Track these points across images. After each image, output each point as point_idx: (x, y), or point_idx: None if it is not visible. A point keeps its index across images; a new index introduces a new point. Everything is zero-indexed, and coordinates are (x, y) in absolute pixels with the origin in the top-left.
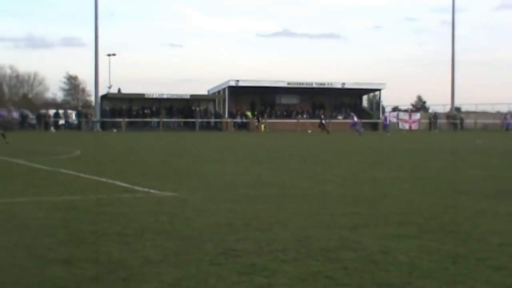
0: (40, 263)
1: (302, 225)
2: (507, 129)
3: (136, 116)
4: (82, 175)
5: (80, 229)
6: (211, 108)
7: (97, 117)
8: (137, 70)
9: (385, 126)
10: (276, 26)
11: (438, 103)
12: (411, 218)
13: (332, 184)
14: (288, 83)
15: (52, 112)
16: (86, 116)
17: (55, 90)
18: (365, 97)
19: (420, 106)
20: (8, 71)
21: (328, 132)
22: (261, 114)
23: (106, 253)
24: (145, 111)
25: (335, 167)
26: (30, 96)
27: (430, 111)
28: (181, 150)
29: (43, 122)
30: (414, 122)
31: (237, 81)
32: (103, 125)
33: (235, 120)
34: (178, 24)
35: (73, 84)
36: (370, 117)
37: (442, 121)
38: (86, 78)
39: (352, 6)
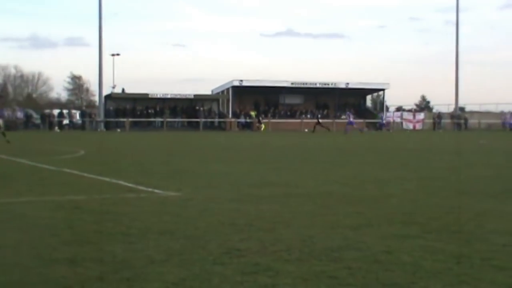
0: (44, 262)
1: (305, 225)
2: (511, 129)
3: (140, 116)
4: (86, 174)
5: (84, 228)
6: (215, 108)
7: (101, 117)
8: (140, 70)
9: (382, 126)
10: (279, 26)
11: (442, 103)
12: (415, 218)
13: (335, 184)
14: (292, 83)
15: (56, 112)
16: (90, 116)
17: (59, 90)
18: (369, 97)
19: (424, 106)
20: (13, 71)
21: (328, 129)
22: (261, 114)
23: (110, 253)
24: (149, 111)
25: (339, 167)
26: (34, 96)
27: (434, 111)
28: (184, 150)
29: (47, 122)
30: (418, 122)
31: (241, 81)
32: (107, 125)
33: (238, 120)
34: (181, 24)
35: (77, 84)
36: (374, 117)
37: (446, 121)
38: (90, 78)
39: (356, 5)
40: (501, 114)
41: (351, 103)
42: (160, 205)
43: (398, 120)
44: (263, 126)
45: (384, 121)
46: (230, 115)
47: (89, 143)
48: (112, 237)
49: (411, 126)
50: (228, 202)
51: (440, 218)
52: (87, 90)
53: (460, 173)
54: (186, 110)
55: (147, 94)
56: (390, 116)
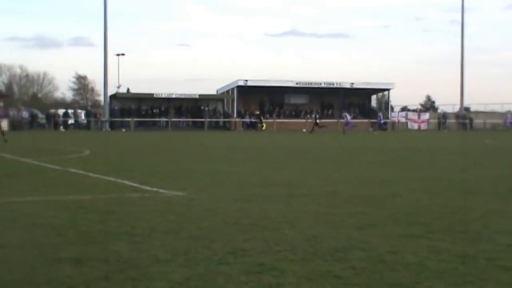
0: (49, 262)
1: (310, 225)
2: None
3: (145, 115)
4: (91, 174)
5: (89, 228)
6: (219, 107)
7: (106, 116)
8: (145, 70)
9: (380, 126)
10: (284, 25)
11: (447, 103)
12: (420, 218)
13: (340, 184)
14: (297, 83)
15: (61, 111)
16: (95, 115)
17: (64, 89)
18: (374, 97)
19: (429, 106)
20: (18, 71)
21: (319, 129)
22: (262, 114)
23: (115, 252)
24: (154, 110)
25: (344, 167)
26: (39, 95)
27: (439, 111)
28: (189, 150)
29: (53, 121)
30: (423, 122)
31: (246, 80)
32: (112, 125)
33: (243, 119)
34: (186, 24)
35: (82, 84)
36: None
37: (451, 121)
38: (95, 78)
39: (360, 5)
40: (503, 114)
41: (356, 103)
42: (165, 205)
43: (403, 120)
44: (264, 125)
45: (382, 121)
46: (235, 115)
47: (94, 143)
48: (117, 236)
49: (416, 126)
50: (232, 202)
51: (445, 218)
52: (92, 90)
53: (465, 173)
54: (191, 110)
55: (152, 94)
56: (395, 116)
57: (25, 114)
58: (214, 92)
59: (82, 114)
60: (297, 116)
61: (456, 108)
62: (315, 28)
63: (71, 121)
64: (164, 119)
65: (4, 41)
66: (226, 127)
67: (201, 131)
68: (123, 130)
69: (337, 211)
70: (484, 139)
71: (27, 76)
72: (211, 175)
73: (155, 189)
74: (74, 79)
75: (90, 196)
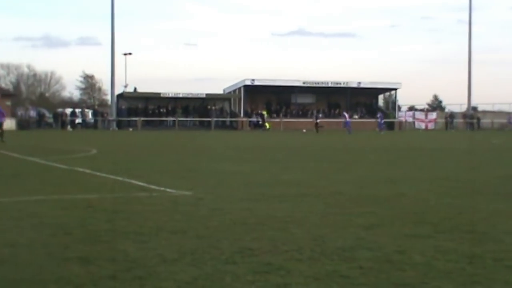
0: (57, 261)
1: (317, 224)
2: None
3: (152, 115)
4: (98, 173)
5: (96, 227)
6: (226, 107)
7: (113, 116)
8: (152, 69)
9: (380, 126)
10: (291, 25)
11: (455, 102)
12: (427, 218)
13: (347, 184)
14: (304, 82)
15: (68, 111)
16: (102, 115)
17: (71, 89)
18: (381, 97)
19: (436, 105)
20: (26, 70)
21: (317, 131)
22: (269, 114)
23: (122, 252)
24: (161, 110)
25: (350, 167)
26: (47, 95)
27: (446, 110)
28: (196, 149)
29: (60, 121)
30: (430, 121)
31: (253, 80)
32: (119, 124)
33: (250, 119)
34: (193, 23)
35: (89, 83)
36: (387, 116)
37: (458, 120)
38: (102, 77)
39: (367, 5)
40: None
41: (363, 103)
42: (172, 204)
43: (410, 119)
44: (267, 125)
45: (382, 121)
46: (242, 114)
47: (101, 142)
48: (124, 236)
49: (423, 126)
50: (239, 201)
51: (452, 218)
52: (99, 89)
53: (472, 173)
54: (198, 110)
55: (159, 93)
56: (402, 115)
57: (32, 113)
58: (221, 92)
59: (89, 113)
60: (304, 115)
61: (464, 108)
62: (322, 28)
63: (78, 120)
64: (171, 119)
65: (12, 40)
66: (233, 126)
67: (208, 130)
68: (130, 129)
69: (344, 210)
70: (491, 139)
71: (34, 75)
72: (218, 174)
73: (162, 188)
74: (81, 79)
75: (98, 195)
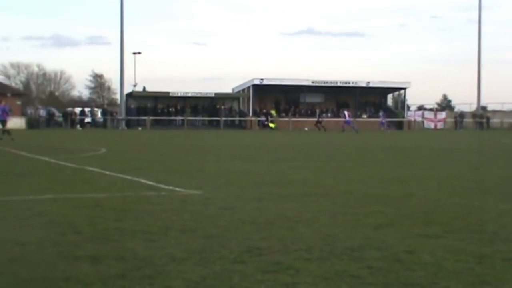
0: (66, 259)
1: (326, 224)
2: None
3: (161, 114)
4: (107, 172)
5: (106, 226)
6: (235, 106)
7: (122, 115)
8: (161, 69)
9: (382, 124)
10: (300, 24)
11: (464, 102)
12: (437, 218)
13: (356, 183)
14: (313, 82)
15: (78, 110)
16: (111, 114)
17: (81, 88)
18: (390, 96)
19: (445, 105)
20: (36, 70)
21: (319, 129)
22: (270, 114)
23: (131, 251)
24: (170, 109)
25: (360, 166)
26: (56, 94)
27: (455, 110)
28: (205, 148)
29: (70, 120)
30: (439, 121)
31: (262, 79)
32: (128, 123)
33: (259, 118)
34: (202, 23)
35: (98, 82)
36: (396, 116)
37: (468, 120)
38: (111, 76)
39: (376, 4)
40: None
41: (372, 102)
42: (180, 203)
43: (419, 119)
44: (271, 124)
45: (384, 121)
46: (251, 114)
47: (110, 141)
48: (133, 235)
49: (432, 125)
50: (248, 200)
51: (461, 218)
52: (109, 88)
53: (482, 173)
54: (207, 109)
55: (168, 93)
56: (411, 115)
57: (42, 112)
58: (230, 91)
59: (98, 112)
60: (312, 115)
61: (473, 107)
62: (331, 27)
63: (87, 119)
64: (180, 118)
65: (22, 40)
66: (241, 125)
67: (216, 129)
68: (139, 128)
69: (353, 210)
70: (501, 139)
71: (44, 74)
72: (227, 174)
73: (171, 187)
74: (90, 78)
75: (107, 194)
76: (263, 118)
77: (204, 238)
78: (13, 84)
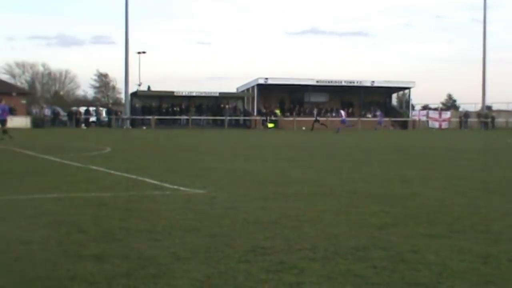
0: (71, 258)
1: (331, 224)
2: None
3: (166, 113)
4: (112, 172)
5: (110, 225)
6: (240, 106)
7: (127, 114)
8: (166, 68)
9: (380, 124)
10: (304, 24)
11: (469, 101)
12: (441, 218)
13: (361, 182)
14: (317, 81)
15: (83, 109)
16: (116, 113)
17: (86, 87)
18: (394, 96)
19: (450, 104)
20: (41, 69)
21: (312, 128)
22: (270, 113)
23: (136, 250)
24: (175, 108)
25: (364, 165)
26: (61, 93)
27: (460, 109)
28: (209, 148)
29: (74, 119)
30: (444, 120)
31: (266, 79)
32: (133, 123)
33: (263, 118)
34: (206, 22)
35: (103, 82)
36: (400, 115)
37: (473, 119)
38: (116, 76)
39: (381, 3)
40: None
41: (376, 102)
42: (185, 203)
43: (424, 118)
44: (270, 124)
45: (382, 120)
46: (255, 113)
47: (115, 141)
48: (138, 234)
49: (437, 125)
50: (253, 200)
51: (466, 218)
52: (113, 87)
53: (487, 173)
54: (211, 108)
55: (172, 92)
56: (416, 114)
57: (47, 111)
58: (235, 90)
59: (103, 111)
60: (317, 114)
61: (478, 107)
62: (335, 27)
63: (92, 118)
64: (185, 117)
65: (27, 39)
66: (246, 125)
67: (221, 129)
68: (144, 127)
69: (357, 210)
70: (506, 138)
71: (49, 74)
72: (231, 173)
73: (175, 187)
74: (95, 77)
75: (111, 194)
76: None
77: (208, 237)
78: (18, 84)
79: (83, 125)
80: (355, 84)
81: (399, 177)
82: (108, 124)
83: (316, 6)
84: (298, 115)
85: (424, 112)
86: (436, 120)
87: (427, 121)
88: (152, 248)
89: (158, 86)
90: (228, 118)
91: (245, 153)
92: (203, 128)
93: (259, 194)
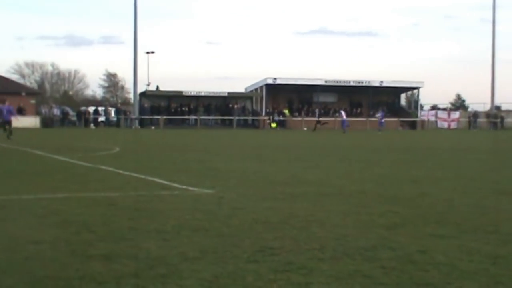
0: (80, 258)
1: (339, 224)
2: None
3: (174, 113)
4: (121, 171)
5: (119, 225)
6: (248, 106)
7: (135, 114)
8: (175, 68)
9: (380, 124)
10: (313, 24)
11: (478, 101)
12: (450, 218)
13: (369, 183)
14: (326, 81)
15: (92, 109)
16: (125, 113)
17: (94, 87)
18: (403, 96)
19: (459, 104)
20: (50, 69)
21: (315, 129)
22: (273, 113)
23: (144, 250)
24: (183, 108)
25: (373, 166)
26: (70, 93)
27: (469, 109)
28: (218, 148)
29: (83, 119)
30: (453, 121)
31: (275, 79)
32: (142, 122)
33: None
34: (215, 22)
35: (112, 82)
36: (409, 115)
37: (481, 120)
38: (125, 76)
39: (390, 3)
40: None
41: (385, 102)
42: (194, 203)
43: (433, 119)
44: (273, 124)
45: (383, 120)
46: (264, 113)
47: (124, 140)
48: (146, 234)
49: (445, 125)
50: (261, 200)
51: (476, 218)
52: (122, 87)
53: (496, 173)
54: (220, 108)
55: (181, 92)
56: (425, 114)
57: (56, 111)
58: (243, 90)
59: (112, 111)
60: (326, 114)
61: (487, 107)
62: (344, 27)
63: (101, 118)
64: (193, 117)
65: (36, 39)
66: (254, 125)
67: (229, 129)
68: (153, 127)
69: (366, 210)
70: None
71: (58, 74)
72: (240, 173)
73: (184, 186)
74: (104, 77)
75: (120, 193)
76: (276, 118)
77: (217, 237)
78: (28, 83)
79: (92, 125)
80: (364, 84)
81: (408, 177)
82: (117, 124)
83: (325, 6)
84: (307, 115)
85: (433, 112)
86: (445, 120)
87: (436, 121)
88: (161, 248)
89: (167, 86)
90: (237, 118)
91: (253, 153)
92: (211, 128)
93: (268, 194)
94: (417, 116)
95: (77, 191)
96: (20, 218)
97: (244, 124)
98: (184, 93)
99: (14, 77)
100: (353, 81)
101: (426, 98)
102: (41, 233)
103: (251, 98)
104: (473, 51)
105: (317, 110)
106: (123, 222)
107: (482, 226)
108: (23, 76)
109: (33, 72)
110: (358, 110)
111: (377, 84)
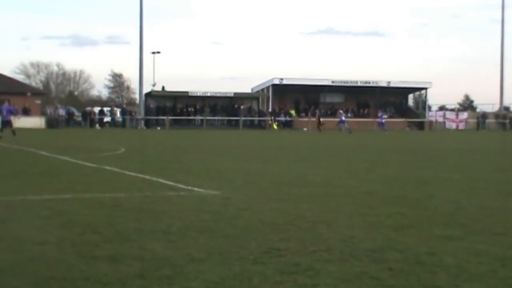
0: (86, 259)
1: (346, 225)
2: None
3: (180, 114)
4: (126, 172)
5: (125, 226)
6: (254, 106)
7: (141, 114)
8: (181, 68)
9: (381, 124)
10: (319, 24)
11: (486, 102)
12: (458, 219)
13: (376, 184)
14: (333, 82)
15: (97, 109)
16: (130, 113)
17: (100, 87)
18: (411, 96)
19: (467, 105)
20: (55, 69)
21: (319, 130)
22: (275, 114)
23: (150, 251)
24: (189, 109)
25: (380, 167)
26: (76, 93)
27: (477, 110)
28: (224, 148)
29: (89, 119)
30: (461, 121)
31: (281, 79)
32: (147, 123)
33: (278, 118)
34: (221, 22)
35: (118, 82)
36: (417, 116)
37: (490, 120)
38: (130, 76)
39: (397, 3)
40: None
41: (392, 102)
42: (199, 204)
43: (441, 119)
44: (273, 124)
45: (383, 121)
46: (268, 113)
47: (129, 141)
48: (152, 235)
49: (454, 126)
50: (267, 201)
51: (484, 220)
52: (128, 88)
53: (505, 174)
54: (226, 108)
55: (187, 92)
56: (433, 115)
57: (61, 112)
58: (249, 91)
59: (117, 112)
60: (333, 115)
61: (496, 108)
62: (351, 27)
63: (106, 119)
64: (199, 118)
65: (42, 39)
66: (261, 125)
67: (235, 129)
68: (158, 128)
69: (373, 211)
70: None
71: (64, 74)
72: (246, 174)
73: (190, 187)
74: (109, 77)
75: (126, 194)
76: (282, 118)
77: (223, 238)
78: (33, 84)
79: (97, 125)
80: (371, 84)
81: (415, 179)
82: (123, 124)
83: (331, 6)
84: (313, 115)
85: (441, 113)
86: (453, 121)
87: (444, 122)
88: (167, 249)
89: (173, 86)
90: (243, 118)
91: (259, 154)
92: (217, 129)
93: (274, 195)
94: (425, 117)
95: (82, 192)
96: (25, 218)
97: (251, 125)
98: (190, 94)
99: (20, 78)
100: (360, 82)
101: (434, 99)
102: (46, 234)
103: (257, 99)
104: (482, 51)
105: (317, 112)
106: (128, 223)
107: (490, 228)
108: (28, 76)
109: (38, 72)
110: (365, 111)
111: (384, 85)
